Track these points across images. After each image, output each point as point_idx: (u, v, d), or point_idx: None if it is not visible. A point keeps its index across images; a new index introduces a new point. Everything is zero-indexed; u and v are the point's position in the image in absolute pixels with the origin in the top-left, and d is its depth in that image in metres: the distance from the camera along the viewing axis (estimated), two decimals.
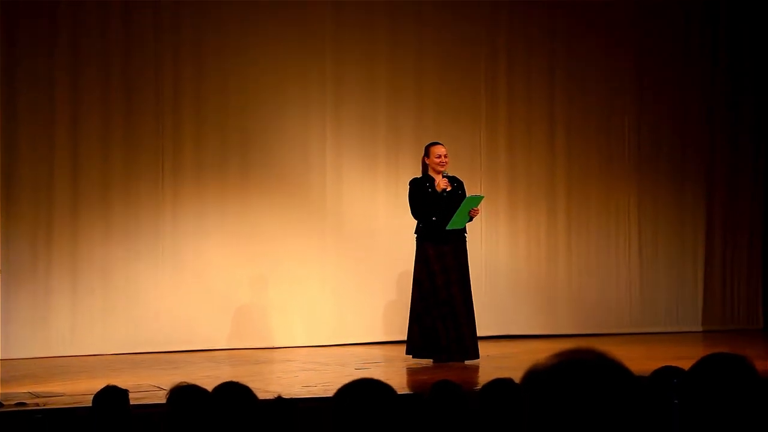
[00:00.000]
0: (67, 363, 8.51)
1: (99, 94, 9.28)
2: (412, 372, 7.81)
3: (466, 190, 8.21)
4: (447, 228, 7.94)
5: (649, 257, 10.85)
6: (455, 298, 8.00)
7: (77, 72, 9.22)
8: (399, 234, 9.12)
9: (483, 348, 8.22)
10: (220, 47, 9.62)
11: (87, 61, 9.24)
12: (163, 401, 3.35)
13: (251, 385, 3.20)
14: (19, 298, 8.96)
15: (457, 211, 7.92)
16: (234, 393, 3.16)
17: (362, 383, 2.29)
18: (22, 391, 6.60)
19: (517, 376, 1.88)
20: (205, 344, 9.36)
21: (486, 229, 10.16)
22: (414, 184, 8.17)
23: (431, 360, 8.05)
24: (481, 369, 7.81)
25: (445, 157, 8.12)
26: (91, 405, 4.29)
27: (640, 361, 6.59)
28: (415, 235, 8.14)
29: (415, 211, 8.11)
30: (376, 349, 9.40)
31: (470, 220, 8.07)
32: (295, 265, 9.71)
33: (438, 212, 8.01)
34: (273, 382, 7.28)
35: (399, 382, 6.98)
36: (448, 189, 8.06)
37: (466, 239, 8.18)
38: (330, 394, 2.28)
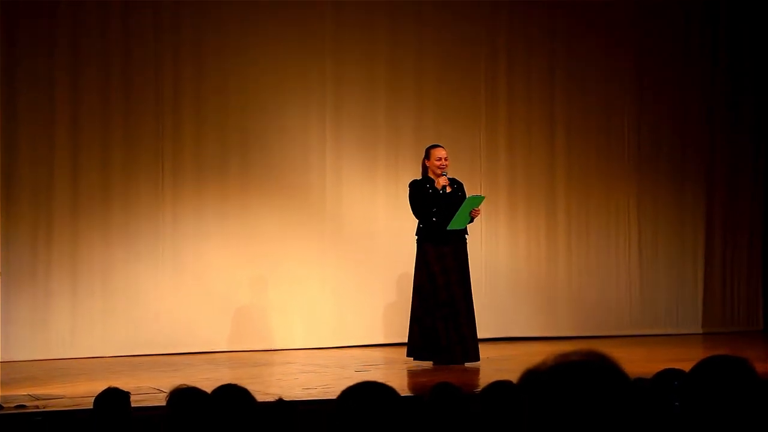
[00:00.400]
0: (67, 365, 8.51)
1: (99, 94, 9.28)
2: (412, 374, 7.80)
3: (466, 191, 8.21)
4: (448, 228, 7.94)
5: (649, 258, 10.85)
6: (456, 299, 8.00)
7: (77, 72, 9.22)
8: (399, 236, 9.13)
9: (483, 350, 8.22)
10: (220, 47, 9.62)
11: (87, 61, 9.24)
12: (163, 404, 3.35)
13: (251, 388, 3.19)
14: (18, 300, 8.96)
15: (458, 212, 7.91)
16: (232, 395, 3.16)
17: (365, 386, 2.28)
18: (21, 393, 6.59)
19: (517, 378, 1.88)
20: (204, 346, 9.35)
21: (486, 230, 10.16)
22: (414, 185, 8.17)
23: (431, 362, 8.05)
24: (481, 371, 7.80)
25: (446, 159, 8.12)
26: (91, 407, 4.28)
27: (641, 363, 6.60)
28: (416, 237, 8.14)
29: (416, 211, 8.11)
30: (376, 352, 9.39)
31: (471, 220, 8.07)
32: (295, 266, 9.71)
33: (438, 212, 8.01)
34: (273, 385, 7.28)
35: (399, 385, 6.97)
36: (448, 189, 8.06)
37: (467, 240, 8.17)
38: (330, 396, 2.27)
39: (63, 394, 6.57)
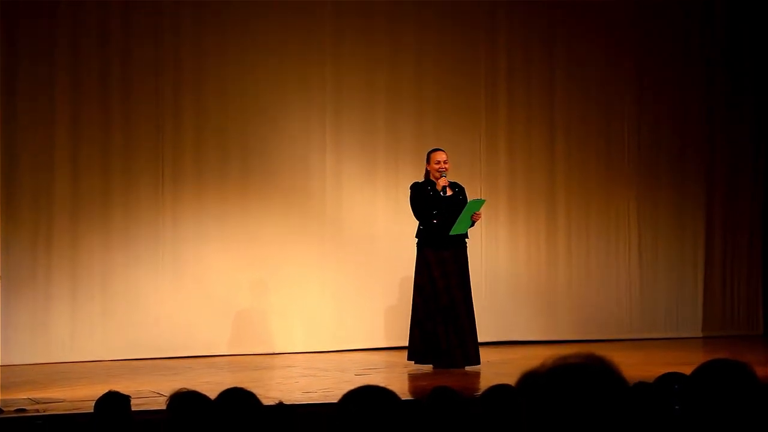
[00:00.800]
0: (67, 369, 8.50)
1: (99, 98, 9.27)
2: (412, 378, 7.80)
3: (467, 195, 8.22)
4: (450, 233, 7.95)
5: (648, 262, 10.84)
6: (456, 303, 8.00)
7: (77, 76, 9.21)
8: (399, 239, 9.13)
9: (483, 354, 8.22)
10: (221, 51, 9.62)
11: (87, 64, 9.24)
12: (163, 407, 3.35)
13: (252, 392, 3.20)
14: (19, 304, 8.95)
15: (460, 216, 7.93)
16: (239, 399, 3.16)
17: (367, 390, 2.29)
18: (22, 397, 6.59)
19: (515, 381, 1.88)
20: (205, 350, 9.35)
21: (486, 235, 10.15)
22: (415, 187, 8.19)
23: (432, 366, 8.05)
24: (481, 375, 7.80)
25: (445, 162, 8.13)
26: (91, 411, 4.28)
27: (640, 366, 6.60)
28: (416, 239, 8.14)
29: (417, 213, 8.12)
30: (376, 355, 9.39)
31: (472, 224, 8.08)
32: (295, 270, 9.71)
33: (439, 214, 8.02)
34: (273, 388, 7.27)
35: (399, 388, 6.95)
36: (449, 191, 8.08)
37: (467, 244, 8.18)
38: (330, 400, 2.28)
39: (63, 398, 6.57)
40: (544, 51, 10.56)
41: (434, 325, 7.98)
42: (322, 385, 7.22)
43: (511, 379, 3.51)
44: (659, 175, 10.91)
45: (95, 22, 9.28)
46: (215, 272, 9.51)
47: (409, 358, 8.13)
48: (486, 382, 6.09)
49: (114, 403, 4.16)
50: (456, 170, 8.54)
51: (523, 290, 10.42)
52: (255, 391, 3.20)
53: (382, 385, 2.33)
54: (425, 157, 8.31)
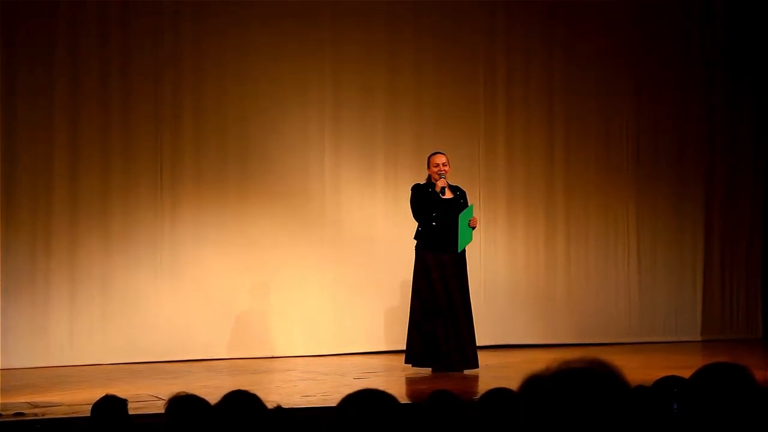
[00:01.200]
0: (66, 373, 8.50)
1: (98, 101, 9.27)
2: (411, 382, 7.79)
3: (467, 199, 8.24)
4: (459, 250, 7.98)
5: (647, 266, 10.84)
6: (455, 307, 8.01)
7: (76, 79, 9.21)
8: (398, 242, 9.13)
9: (482, 357, 8.22)
10: (220, 54, 9.62)
11: (86, 67, 9.23)
12: (162, 411, 3.35)
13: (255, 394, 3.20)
14: (18, 308, 8.94)
15: (459, 230, 7.97)
16: (243, 401, 3.16)
17: (366, 393, 2.28)
18: (20, 401, 6.58)
19: (516, 385, 1.88)
20: (204, 353, 9.34)
21: (485, 238, 10.15)
22: (416, 188, 8.21)
23: (431, 369, 8.05)
24: (480, 378, 7.79)
25: (444, 165, 8.14)
26: (89, 415, 4.28)
27: (640, 370, 6.59)
28: (415, 242, 8.14)
29: (417, 214, 8.13)
30: (375, 359, 9.38)
31: (473, 229, 8.10)
32: (294, 273, 9.71)
33: (438, 216, 8.02)
34: (272, 392, 7.26)
35: (398, 392, 6.93)
36: (447, 193, 8.09)
37: (466, 248, 8.18)
38: (329, 404, 2.27)
39: (62, 402, 6.56)
40: (544, 53, 10.56)
41: (433, 328, 7.98)
42: (320, 389, 7.21)
43: (509, 383, 3.51)
44: (658, 177, 10.91)
45: (94, 24, 9.28)
46: (214, 275, 9.50)
47: (406, 362, 8.12)
48: (484, 385, 6.09)
49: (111, 406, 4.15)
50: (455, 174, 8.54)
51: (522, 294, 10.42)
52: None
53: (381, 388, 2.33)
54: (425, 161, 8.32)
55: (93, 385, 7.42)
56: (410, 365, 8.12)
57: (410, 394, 7.15)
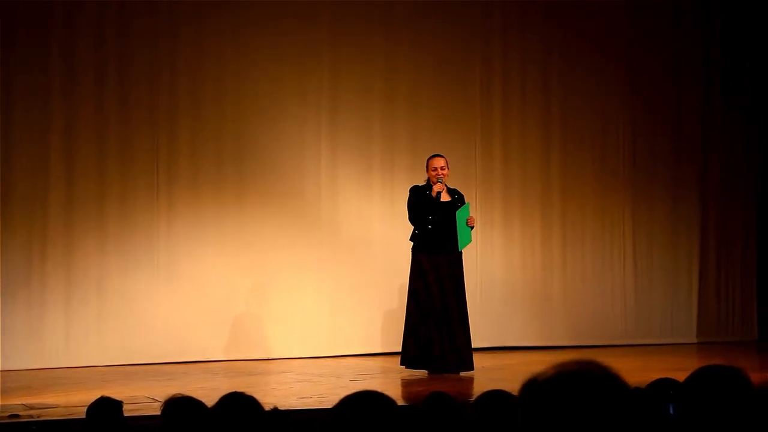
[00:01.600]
0: (62, 374, 8.48)
1: (94, 102, 9.26)
2: (406, 384, 7.79)
3: (464, 200, 8.24)
4: (460, 249, 7.98)
5: (643, 268, 10.85)
6: (451, 309, 8.01)
7: (72, 81, 9.20)
8: (395, 244, 9.12)
9: (478, 359, 8.22)
10: (217, 55, 9.61)
11: (82, 69, 9.22)
12: (158, 413, 3.34)
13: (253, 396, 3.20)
14: (13, 310, 8.93)
15: (458, 230, 7.97)
16: (240, 403, 3.16)
17: (363, 395, 2.28)
18: (16, 402, 6.58)
19: (511, 387, 1.88)
20: (200, 355, 9.33)
21: (481, 240, 10.15)
22: (413, 190, 8.21)
23: (426, 371, 8.05)
24: (475, 380, 7.80)
25: (442, 169, 8.14)
26: (85, 417, 4.27)
27: (636, 372, 6.58)
28: (411, 243, 8.14)
29: (412, 216, 8.13)
30: (371, 361, 9.38)
31: (472, 228, 8.11)
32: (291, 275, 9.70)
33: (434, 219, 8.02)
34: (268, 394, 7.25)
35: (394, 394, 6.94)
36: (444, 197, 8.09)
37: (462, 250, 8.18)
38: (325, 405, 2.27)
39: (57, 404, 6.55)
40: (540, 55, 10.57)
41: (428, 330, 7.98)
42: (316, 391, 7.21)
43: (505, 385, 3.51)
44: (655, 179, 10.91)
45: (90, 26, 9.26)
46: (211, 277, 9.50)
47: (402, 364, 8.12)
48: (480, 387, 6.09)
49: (106, 408, 4.15)
50: (452, 176, 8.55)
51: (518, 296, 10.42)
52: None
53: (377, 390, 2.33)
54: (422, 162, 8.33)
55: (88, 387, 7.41)
56: (405, 367, 8.12)
57: (406, 396, 7.15)
